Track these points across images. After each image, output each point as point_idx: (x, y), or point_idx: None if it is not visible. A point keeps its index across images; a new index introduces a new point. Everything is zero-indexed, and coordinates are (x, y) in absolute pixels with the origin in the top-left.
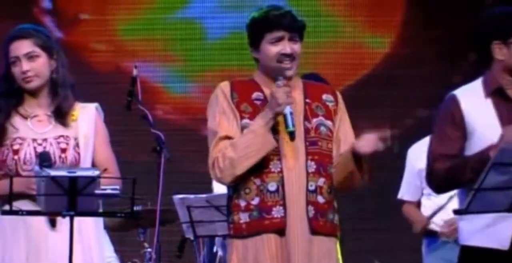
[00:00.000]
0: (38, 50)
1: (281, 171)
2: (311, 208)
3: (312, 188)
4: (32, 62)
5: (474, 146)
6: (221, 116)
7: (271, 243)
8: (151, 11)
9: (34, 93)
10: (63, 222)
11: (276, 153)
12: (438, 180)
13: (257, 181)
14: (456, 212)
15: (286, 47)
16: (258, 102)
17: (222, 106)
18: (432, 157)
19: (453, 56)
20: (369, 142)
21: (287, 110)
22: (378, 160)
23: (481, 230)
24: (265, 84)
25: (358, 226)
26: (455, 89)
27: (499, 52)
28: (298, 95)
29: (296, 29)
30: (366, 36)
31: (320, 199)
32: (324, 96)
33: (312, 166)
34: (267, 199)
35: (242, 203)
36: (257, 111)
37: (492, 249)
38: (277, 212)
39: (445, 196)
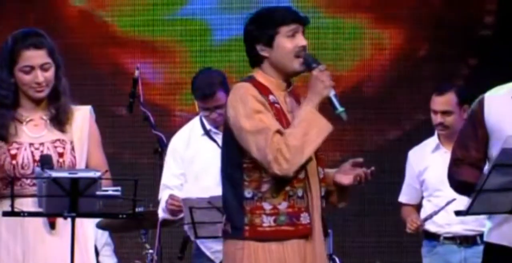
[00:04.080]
0: (50, 61)
1: (305, 177)
2: (323, 214)
3: (322, 194)
4: (45, 73)
5: (495, 146)
6: (260, 115)
7: (300, 248)
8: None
9: (35, 101)
10: (61, 225)
11: None
12: (451, 185)
13: (286, 186)
14: (457, 213)
15: (302, 40)
16: (278, 106)
17: (256, 106)
18: (450, 160)
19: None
20: (348, 174)
21: (332, 92)
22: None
23: (495, 228)
24: (273, 87)
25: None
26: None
27: None
28: (293, 97)
29: (307, 23)
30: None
31: (324, 204)
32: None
33: (321, 172)
34: (296, 205)
35: (267, 206)
36: (277, 114)
37: (506, 246)
38: (304, 218)
39: (444, 199)
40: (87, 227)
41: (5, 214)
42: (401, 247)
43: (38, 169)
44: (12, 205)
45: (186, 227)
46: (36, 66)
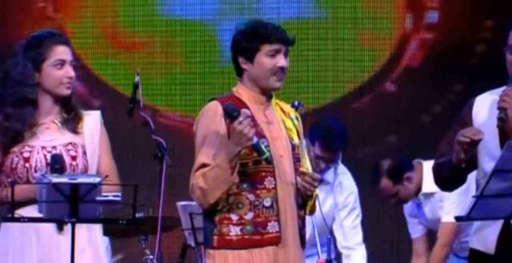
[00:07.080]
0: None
1: (275, 187)
2: (300, 222)
3: (299, 202)
4: (73, 71)
5: (480, 147)
6: (209, 141)
7: (269, 255)
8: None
9: (54, 100)
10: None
11: (271, 169)
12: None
13: (251, 197)
14: (457, 219)
15: (282, 60)
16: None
17: (211, 129)
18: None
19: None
20: (306, 184)
21: (254, 140)
22: None
23: (475, 233)
24: (252, 100)
25: None
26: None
27: None
28: (278, 112)
29: (291, 44)
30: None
31: (302, 213)
32: (292, 114)
33: (299, 182)
34: (262, 215)
35: (234, 217)
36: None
37: (482, 251)
38: (272, 227)
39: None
40: (97, 231)
41: (6, 219)
42: (402, 254)
43: (38, 175)
44: (12, 211)
45: (186, 233)
46: (68, 61)
